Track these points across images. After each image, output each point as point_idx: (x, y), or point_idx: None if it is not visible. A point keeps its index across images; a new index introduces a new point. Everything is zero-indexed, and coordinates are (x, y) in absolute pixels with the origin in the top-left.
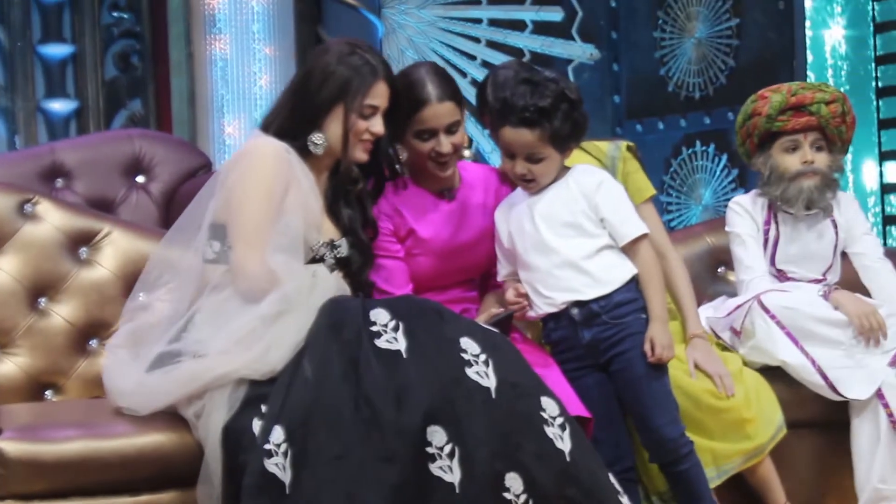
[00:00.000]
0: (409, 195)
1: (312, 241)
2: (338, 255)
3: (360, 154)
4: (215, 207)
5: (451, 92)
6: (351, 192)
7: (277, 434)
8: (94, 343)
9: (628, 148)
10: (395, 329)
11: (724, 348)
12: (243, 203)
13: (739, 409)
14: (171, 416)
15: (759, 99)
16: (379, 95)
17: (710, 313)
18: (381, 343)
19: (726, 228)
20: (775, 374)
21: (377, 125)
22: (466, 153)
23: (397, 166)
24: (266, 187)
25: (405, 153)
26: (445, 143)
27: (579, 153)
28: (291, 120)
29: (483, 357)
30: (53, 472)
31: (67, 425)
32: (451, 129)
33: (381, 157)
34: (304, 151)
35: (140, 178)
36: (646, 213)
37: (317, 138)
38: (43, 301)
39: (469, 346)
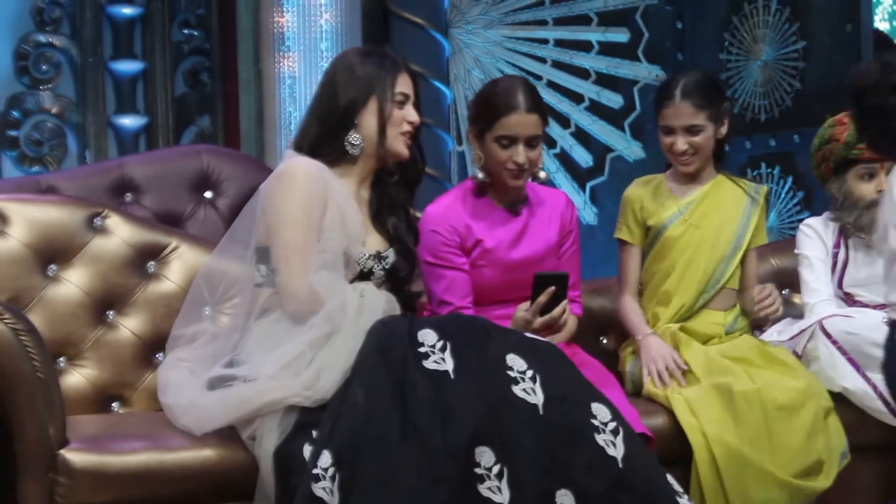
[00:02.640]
0: (478, 207)
1: (357, 254)
2: (386, 267)
3: (401, 146)
4: (257, 231)
5: (539, 106)
6: (395, 200)
7: (325, 459)
8: (160, 356)
9: (766, 194)
10: (443, 349)
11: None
12: (282, 226)
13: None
14: (231, 431)
15: (838, 125)
16: (406, 84)
17: (775, 336)
18: (428, 364)
19: (795, 250)
20: (839, 398)
21: (413, 114)
22: (542, 174)
23: (479, 174)
24: (303, 208)
25: (481, 159)
26: (523, 155)
27: (728, 183)
28: (324, 128)
29: (530, 373)
30: (118, 483)
31: (132, 437)
32: (531, 142)
33: (419, 154)
34: (341, 162)
35: (208, 194)
36: (753, 257)
37: (353, 138)
38: (111, 314)
39: (515, 362)
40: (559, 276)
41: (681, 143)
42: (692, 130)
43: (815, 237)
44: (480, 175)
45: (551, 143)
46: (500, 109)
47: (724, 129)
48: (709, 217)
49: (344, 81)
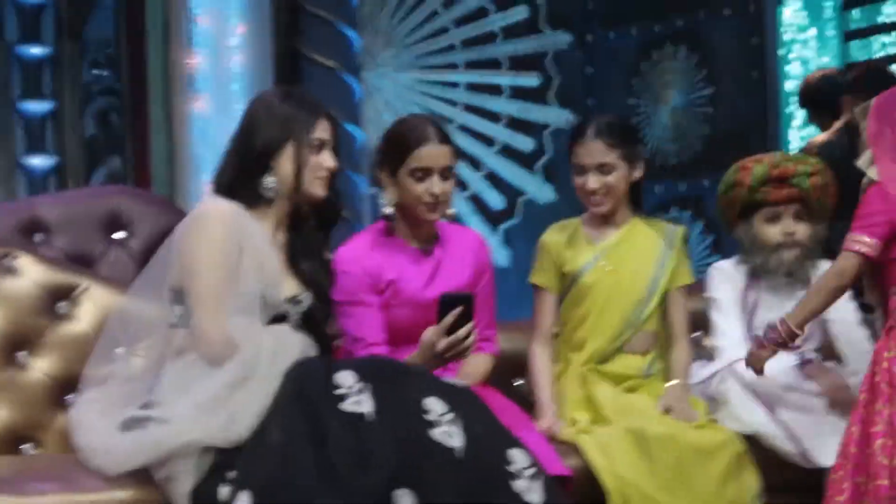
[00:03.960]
0: (390, 247)
1: (274, 298)
2: (302, 310)
3: (317, 188)
4: (172, 273)
5: (449, 139)
6: (310, 242)
7: (243, 500)
8: (72, 397)
9: (684, 234)
10: (361, 391)
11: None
12: (198, 269)
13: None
14: (145, 472)
15: (742, 170)
16: (325, 129)
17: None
18: (346, 406)
19: (705, 293)
20: (752, 440)
21: (329, 159)
22: (450, 211)
23: (387, 211)
24: (219, 251)
25: (395, 197)
26: (438, 185)
27: (643, 226)
28: (240, 169)
29: (449, 416)
30: None
31: (44, 478)
32: (444, 174)
33: (335, 197)
34: (258, 204)
35: (119, 235)
36: (679, 297)
37: (268, 182)
38: (21, 355)
39: (434, 405)
40: (465, 297)
41: (592, 181)
42: (604, 169)
43: (726, 280)
44: (389, 210)
45: (463, 185)
46: (411, 143)
47: (637, 173)
48: (624, 262)
49: (262, 122)
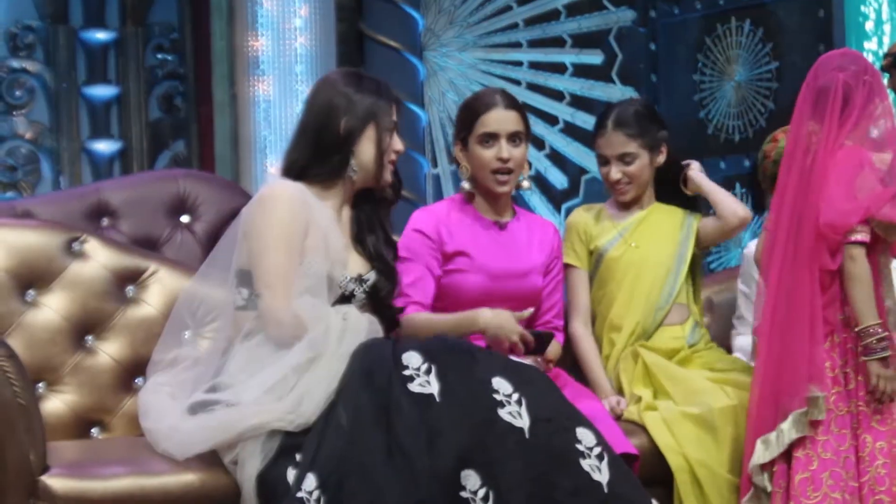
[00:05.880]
0: (465, 215)
1: (339, 277)
2: (367, 290)
3: (388, 175)
4: (239, 255)
5: (517, 105)
6: (374, 218)
7: (310, 482)
8: (139, 381)
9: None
10: (428, 372)
11: None
12: (265, 250)
13: None
14: (213, 456)
15: (771, 141)
16: (396, 113)
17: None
18: (413, 387)
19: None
20: None
21: (399, 143)
22: (525, 183)
23: (465, 185)
24: (285, 232)
25: (469, 170)
26: (506, 150)
27: (668, 207)
28: (318, 151)
29: (516, 396)
30: None
31: (113, 462)
32: (513, 139)
33: (396, 177)
34: (325, 184)
35: (184, 218)
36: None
37: (352, 164)
38: (90, 339)
39: (501, 385)
40: (545, 335)
41: (614, 172)
42: (625, 159)
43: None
44: (467, 185)
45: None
46: (479, 109)
47: (661, 158)
48: (647, 237)
49: (342, 107)
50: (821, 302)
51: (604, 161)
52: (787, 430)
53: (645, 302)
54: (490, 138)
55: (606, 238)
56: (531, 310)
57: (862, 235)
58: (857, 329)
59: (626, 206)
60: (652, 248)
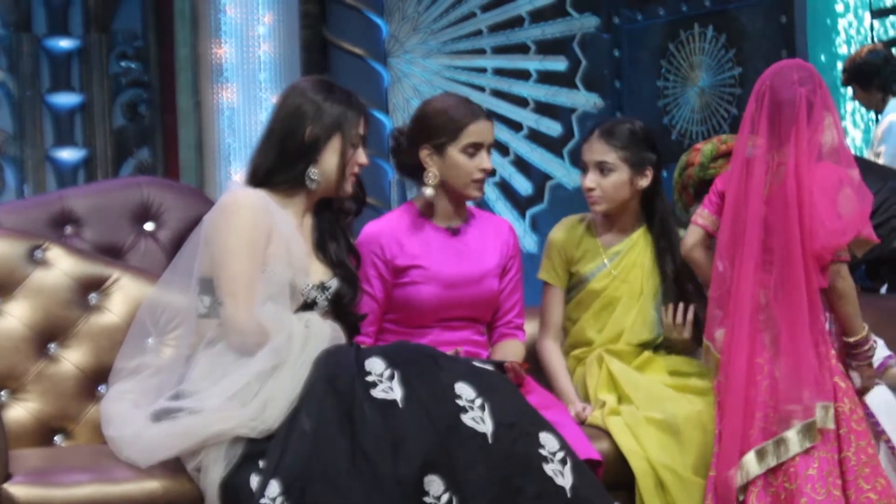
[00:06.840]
0: (416, 226)
1: (301, 285)
2: (329, 297)
3: (349, 186)
4: (201, 262)
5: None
6: (335, 226)
7: (273, 488)
8: (102, 388)
9: None
10: (391, 378)
11: None
12: (227, 258)
13: None
14: (176, 463)
15: (693, 151)
16: (363, 127)
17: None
18: (376, 393)
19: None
20: None
21: (363, 156)
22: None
23: (427, 192)
24: (247, 240)
25: (437, 176)
26: (488, 160)
27: (650, 236)
28: (283, 158)
29: (479, 401)
30: None
31: (77, 470)
32: (488, 151)
33: (360, 187)
34: (288, 191)
35: (149, 226)
36: None
37: (313, 173)
38: (53, 347)
39: (464, 391)
40: (497, 363)
41: (589, 179)
42: (602, 168)
43: None
44: (430, 192)
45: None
46: (465, 119)
47: (644, 181)
48: (632, 271)
49: (309, 115)
50: (822, 317)
51: (583, 167)
52: (796, 439)
53: (619, 327)
54: (476, 148)
55: (590, 266)
56: (461, 349)
57: (846, 254)
58: (851, 340)
59: (611, 227)
60: (636, 282)
